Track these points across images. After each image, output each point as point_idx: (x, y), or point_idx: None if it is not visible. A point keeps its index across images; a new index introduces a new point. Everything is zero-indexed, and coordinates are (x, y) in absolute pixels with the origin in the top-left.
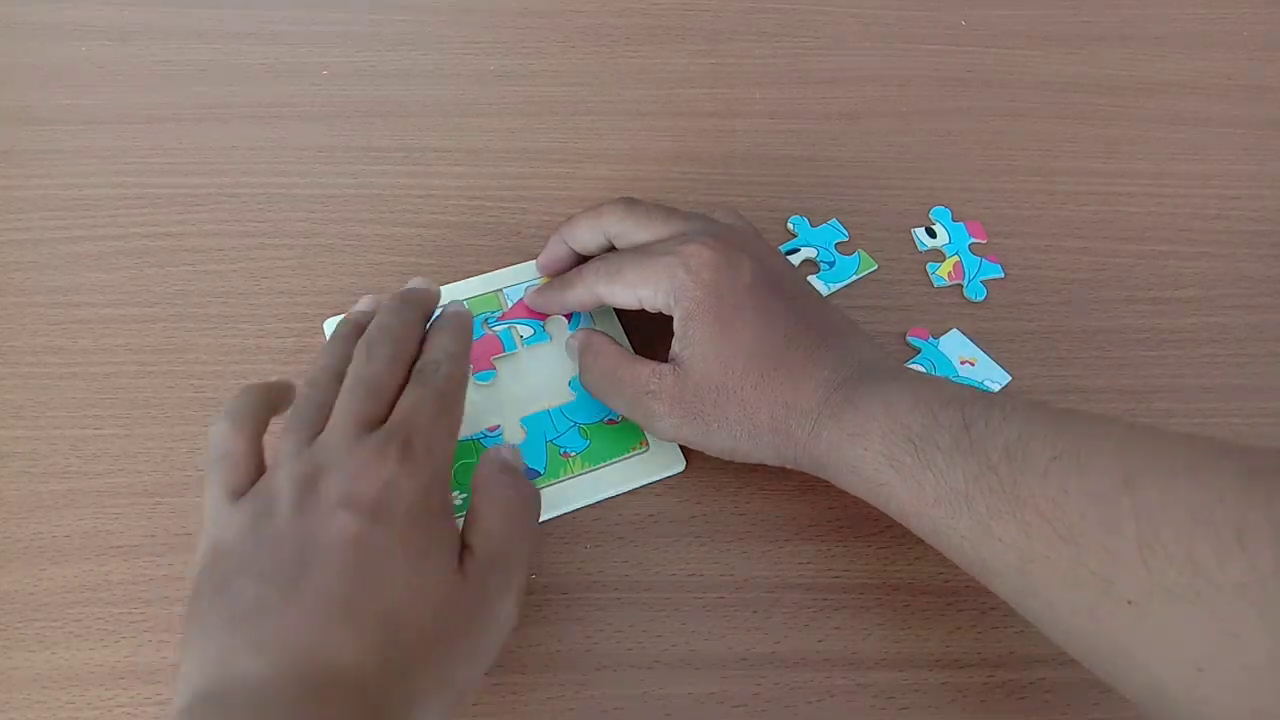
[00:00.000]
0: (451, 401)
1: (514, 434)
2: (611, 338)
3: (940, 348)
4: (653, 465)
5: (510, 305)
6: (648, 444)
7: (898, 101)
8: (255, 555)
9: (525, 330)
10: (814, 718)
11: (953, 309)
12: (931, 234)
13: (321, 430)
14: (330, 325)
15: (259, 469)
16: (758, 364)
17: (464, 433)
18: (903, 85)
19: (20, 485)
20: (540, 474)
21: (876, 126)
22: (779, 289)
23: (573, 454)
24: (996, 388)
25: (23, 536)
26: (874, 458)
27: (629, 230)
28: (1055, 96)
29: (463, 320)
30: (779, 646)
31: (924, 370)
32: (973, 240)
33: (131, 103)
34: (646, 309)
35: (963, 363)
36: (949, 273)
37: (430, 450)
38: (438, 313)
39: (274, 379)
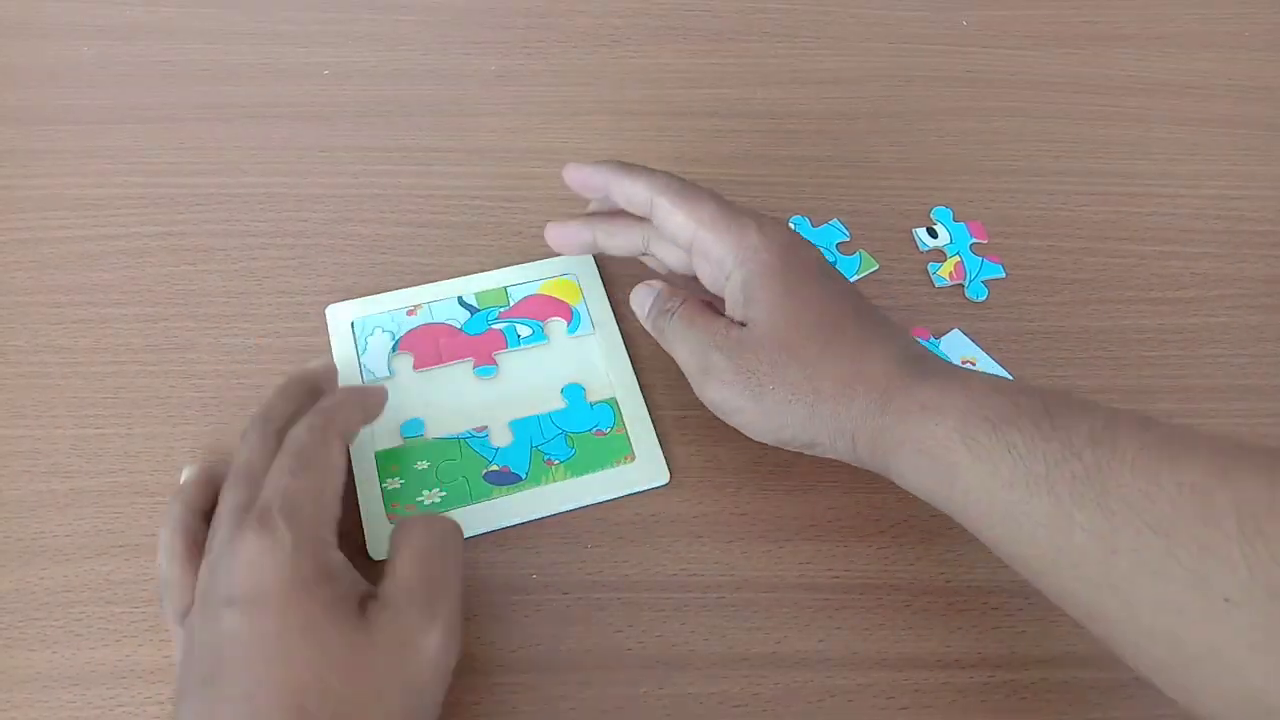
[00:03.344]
0: (312, 455)
1: (501, 436)
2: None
3: (941, 348)
4: (636, 476)
5: (514, 303)
6: (634, 457)
7: (898, 101)
8: (188, 670)
9: (524, 330)
10: (814, 717)
11: (954, 309)
12: (933, 234)
13: None
14: (332, 312)
15: None
16: (824, 329)
17: (453, 431)
18: (903, 85)
19: (21, 484)
20: (522, 479)
21: (877, 126)
22: (844, 279)
23: (556, 462)
24: None
25: (24, 536)
26: (946, 434)
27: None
28: (1056, 96)
29: (362, 389)
30: (779, 646)
31: None
32: (974, 240)
33: (132, 103)
34: (689, 254)
35: (964, 363)
36: (950, 273)
37: (291, 513)
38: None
39: (190, 473)
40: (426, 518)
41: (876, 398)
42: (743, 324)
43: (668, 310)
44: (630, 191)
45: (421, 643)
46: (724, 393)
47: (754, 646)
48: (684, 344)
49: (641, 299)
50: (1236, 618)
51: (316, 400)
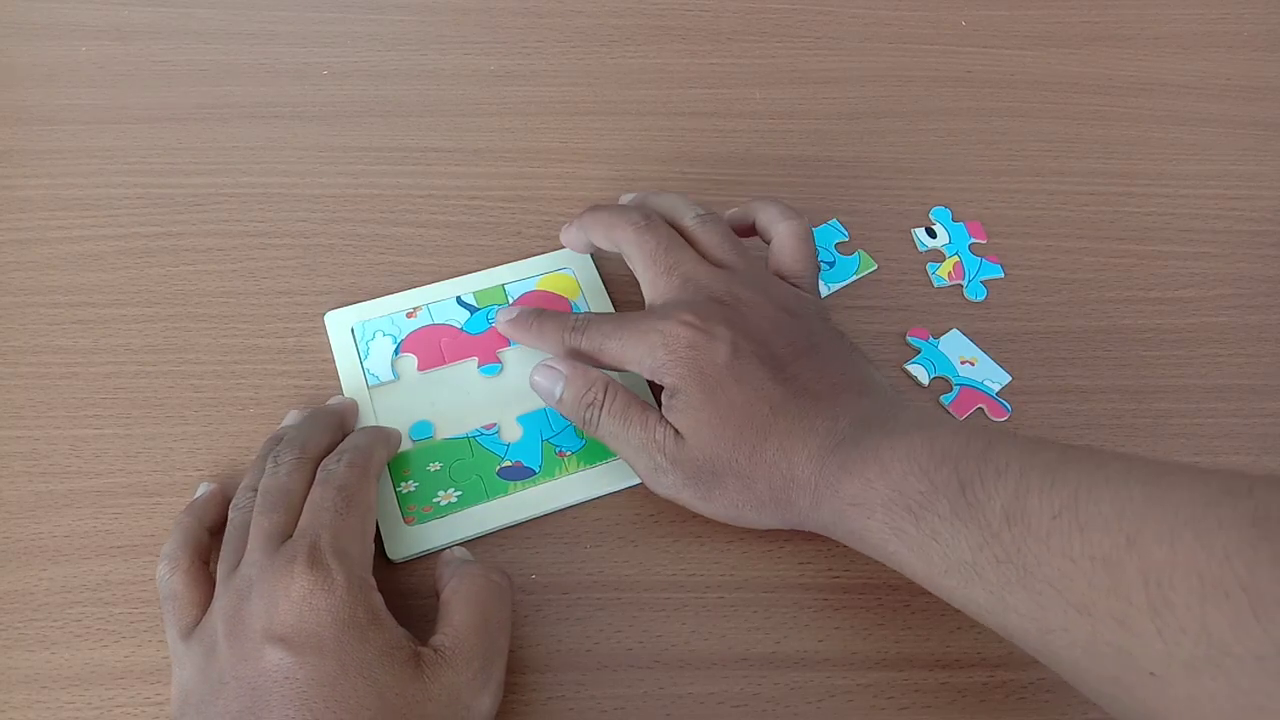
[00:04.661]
0: (356, 494)
1: (510, 432)
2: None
3: (940, 348)
4: None
5: (513, 300)
6: None
7: (898, 101)
8: (211, 701)
9: None
10: (814, 718)
11: (953, 309)
12: (931, 234)
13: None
14: (331, 318)
15: (206, 599)
16: (747, 437)
17: (462, 430)
18: (903, 85)
19: (20, 485)
20: (535, 473)
21: (876, 126)
22: (761, 358)
23: (568, 453)
24: (996, 388)
25: (23, 536)
26: (878, 527)
27: (632, 255)
28: (1055, 96)
29: (383, 429)
30: (779, 646)
31: (924, 370)
32: (973, 240)
33: (131, 103)
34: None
35: (963, 363)
36: (949, 273)
37: (340, 552)
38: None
39: (207, 490)
40: (483, 568)
41: (809, 498)
42: (678, 431)
43: (595, 404)
44: (572, 344)
45: (474, 704)
46: (674, 492)
47: (754, 646)
48: (625, 445)
49: (548, 385)
50: (1163, 691)
51: (343, 434)
